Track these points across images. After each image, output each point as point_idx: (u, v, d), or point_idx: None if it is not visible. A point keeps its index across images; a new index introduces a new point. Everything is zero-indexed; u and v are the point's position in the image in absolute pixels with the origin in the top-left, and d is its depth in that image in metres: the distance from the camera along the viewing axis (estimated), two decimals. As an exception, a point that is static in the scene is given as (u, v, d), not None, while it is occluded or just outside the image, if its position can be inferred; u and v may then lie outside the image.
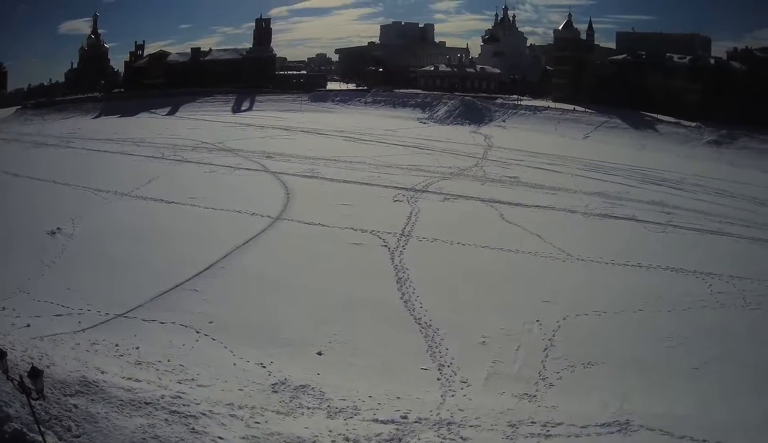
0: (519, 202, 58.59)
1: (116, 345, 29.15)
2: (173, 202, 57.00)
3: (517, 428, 22.99)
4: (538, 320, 33.24)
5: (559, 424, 23.33)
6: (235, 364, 28.18)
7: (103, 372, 23.27)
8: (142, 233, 47.96)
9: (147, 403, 21.17)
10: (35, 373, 15.43)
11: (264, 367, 27.86)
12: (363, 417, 23.30)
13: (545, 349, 30.31)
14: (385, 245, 45.34)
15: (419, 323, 32.86)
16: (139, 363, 26.90)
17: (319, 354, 29.70)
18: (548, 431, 22.89)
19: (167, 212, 54.44)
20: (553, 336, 31.67)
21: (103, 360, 26.50)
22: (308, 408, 23.81)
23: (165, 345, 29.84)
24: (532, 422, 23.47)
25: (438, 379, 27.37)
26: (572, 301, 35.77)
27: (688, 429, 23.31)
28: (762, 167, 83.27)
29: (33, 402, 16.56)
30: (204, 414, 21.17)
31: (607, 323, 33.59)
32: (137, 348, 28.97)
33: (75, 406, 20.11)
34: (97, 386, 21.50)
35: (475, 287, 38.03)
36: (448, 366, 28.46)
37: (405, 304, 35.31)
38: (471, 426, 22.91)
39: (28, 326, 31.09)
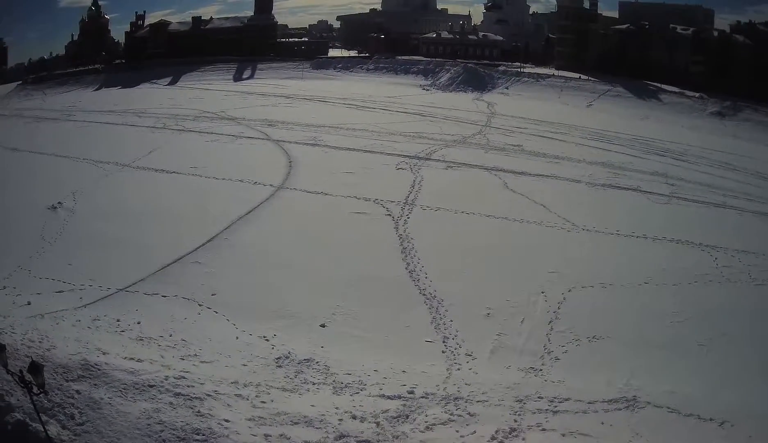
0: (522, 170, 58.07)
1: (117, 321, 28.82)
2: (175, 172, 56.31)
3: (524, 403, 22.79)
4: (543, 292, 32.97)
5: (566, 400, 23.15)
6: (237, 338, 27.92)
7: (104, 353, 23.07)
8: (144, 206, 47.27)
9: (150, 386, 21.01)
10: (35, 368, 15.16)
11: (267, 340, 27.65)
12: (369, 392, 23.10)
13: (550, 322, 30.03)
14: (389, 214, 45.00)
15: (424, 295, 32.59)
16: (140, 339, 26.67)
17: (323, 326, 29.40)
18: (555, 407, 22.70)
19: (169, 183, 53.79)
20: (558, 308, 31.39)
21: (105, 337, 26.30)
22: (313, 384, 23.61)
23: (167, 319, 29.45)
24: (539, 397, 23.25)
25: (443, 352, 27.13)
26: (577, 272, 35.48)
27: (695, 407, 23.11)
28: (766, 141, 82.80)
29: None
30: (209, 395, 20.99)
31: (613, 296, 33.30)
32: (138, 323, 28.62)
33: (77, 392, 19.97)
34: (99, 369, 21.35)
35: (479, 258, 37.71)
36: (453, 339, 28.23)
37: (410, 275, 35.00)
38: (478, 402, 22.70)
39: (29, 304, 30.60)
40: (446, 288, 33.08)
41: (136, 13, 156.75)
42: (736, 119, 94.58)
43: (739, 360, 27.13)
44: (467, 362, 26.31)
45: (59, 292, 32.78)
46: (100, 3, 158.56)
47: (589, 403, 23.08)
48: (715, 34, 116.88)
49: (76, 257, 37.20)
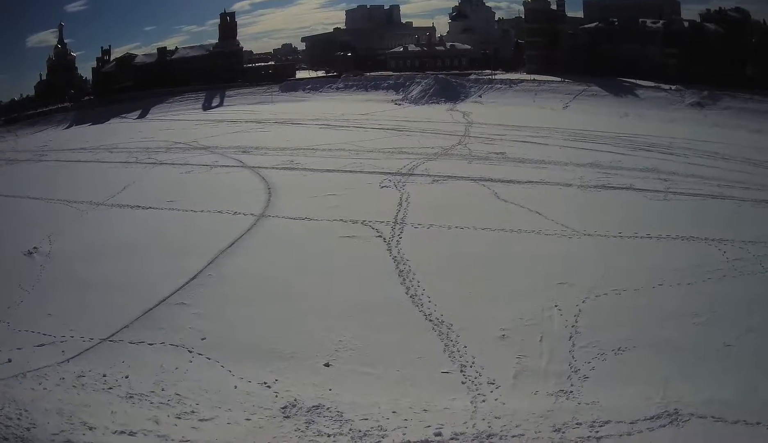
0: (511, 178, 56.35)
1: (104, 376, 26.55)
2: (151, 207, 54.24)
3: (563, 433, 20.80)
4: (556, 306, 30.94)
5: (606, 423, 21.22)
6: (236, 387, 25.50)
7: (91, 429, 20.77)
8: (122, 244, 44.99)
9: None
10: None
11: (269, 387, 25.27)
12: (392, 439, 20.90)
13: (570, 337, 28.02)
14: (380, 236, 42.71)
15: (430, 320, 30.31)
16: (130, 397, 24.39)
17: (327, 365, 26.97)
18: (597, 432, 20.75)
19: (146, 219, 51.55)
20: (576, 321, 29.39)
21: (92, 398, 24.06)
22: (329, 436, 21.27)
23: (156, 370, 27.09)
24: (577, 424, 21.25)
25: (463, 383, 24.88)
26: (588, 281, 33.57)
27: (739, 412, 21.53)
28: (748, 127, 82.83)
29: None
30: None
31: (629, 302, 31.44)
32: (126, 378, 26.34)
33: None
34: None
35: (483, 274, 35.62)
36: (471, 366, 25.98)
37: (412, 299, 32.68)
38: (514, 436, 20.60)
39: (10, 361, 28.36)
40: (453, 311, 30.91)
41: (102, 48, 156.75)
42: (716, 108, 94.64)
43: (770, 354, 25.80)
44: (491, 391, 24.15)
45: (40, 346, 30.41)
46: (66, 41, 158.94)
47: (632, 424, 21.28)
48: (686, 24, 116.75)
49: (55, 305, 34.98)
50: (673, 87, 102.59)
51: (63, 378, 26.38)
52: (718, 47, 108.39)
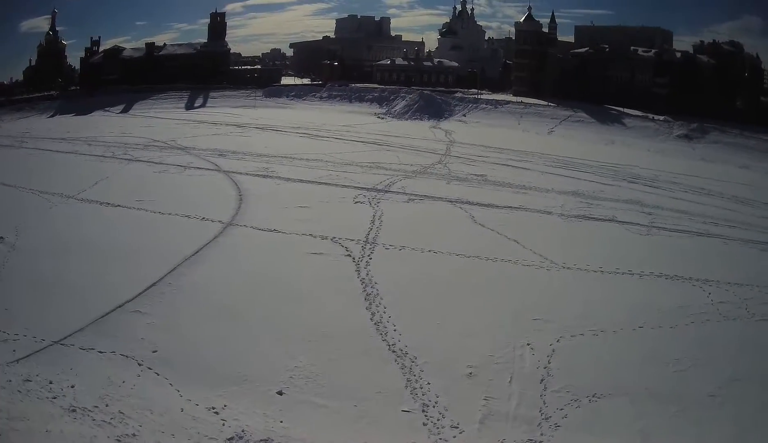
0: (489, 202, 54.93)
1: (50, 383, 25.06)
2: (119, 205, 52.77)
3: (532, 492, 19.03)
4: (529, 344, 29.15)
5: (580, 482, 19.45)
6: (182, 409, 23.70)
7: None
8: (86, 243, 43.36)
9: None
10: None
11: (217, 413, 23.48)
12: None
13: (542, 380, 26.28)
14: (349, 255, 40.89)
15: (394, 351, 28.44)
16: (73, 411, 22.65)
17: (280, 393, 25.10)
18: (569, 493, 19.00)
19: (113, 217, 50.05)
20: (549, 363, 27.64)
21: (33, 408, 22.44)
22: (275, 478, 19.49)
23: (103, 382, 25.46)
24: (547, 482, 19.49)
25: (424, 424, 23.10)
26: (564, 318, 31.90)
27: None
28: (736, 162, 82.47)
29: None
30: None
31: (607, 344, 29.82)
32: (72, 387, 24.81)
33: None
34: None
35: (452, 304, 33.85)
36: (434, 406, 24.20)
37: (376, 327, 30.81)
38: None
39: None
40: (419, 343, 29.06)
41: (91, 38, 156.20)
42: (704, 141, 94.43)
43: (756, 405, 24.85)
44: (454, 436, 22.38)
45: (-6, 342, 29.16)
46: (57, 28, 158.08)
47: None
48: (678, 55, 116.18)
49: (13, 301, 33.79)
50: (662, 118, 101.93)
51: (10, 381, 24.94)
52: (710, 79, 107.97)
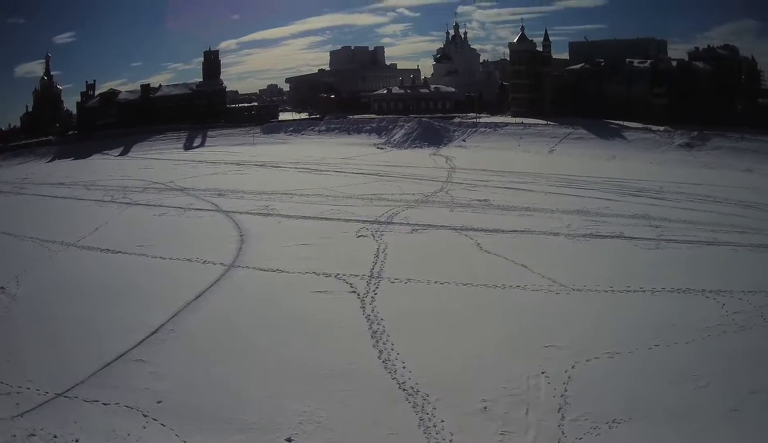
0: (495, 227, 54.17)
1: (54, 437, 24.88)
2: (120, 251, 52.17)
3: None
4: (543, 372, 28.21)
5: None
6: (190, 463, 22.85)
7: None
8: (87, 291, 42.78)
9: None
10: None
11: (224, 466, 22.58)
12: None
13: (559, 409, 25.34)
14: (354, 291, 39.90)
15: (404, 390, 27.44)
16: (77, 468, 21.69)
17: (289, 440, 24.24)
18: None
19: (114, 264, 49.45)
20: (565, 390, 26.69)
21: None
22: None
23: (108, 435, 24.97)
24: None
25: (441, 467, 22.16)
26: (578, 342, 31.00)
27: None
28: (739, 167, 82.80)
29: None
30: None
31: (623, 366, 28.89)
32: (77, 441, 24.49)
33: None
34: None
35: (461, 336, 32.92)
36: (449, 446, 23.28)
37: (384, 365, 29.82)
38: None
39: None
40: (429, 379, 28.08)
41: (87, 82, 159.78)
42: (706, 149, 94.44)
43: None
44: (472, 476, 21.39)
45: (-4, 395, 28.77)
46: (52, 73, 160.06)
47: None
48: (674, 63, 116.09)
49: (15, 352, 33.39)
50: (662, 128, 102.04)
51: (14, 436, 24.97)
52: (707, 85, 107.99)
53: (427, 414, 25.45)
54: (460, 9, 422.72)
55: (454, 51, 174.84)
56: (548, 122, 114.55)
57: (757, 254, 44.94)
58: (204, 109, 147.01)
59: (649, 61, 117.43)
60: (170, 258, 49.59)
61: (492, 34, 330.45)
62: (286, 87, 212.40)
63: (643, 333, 31.82)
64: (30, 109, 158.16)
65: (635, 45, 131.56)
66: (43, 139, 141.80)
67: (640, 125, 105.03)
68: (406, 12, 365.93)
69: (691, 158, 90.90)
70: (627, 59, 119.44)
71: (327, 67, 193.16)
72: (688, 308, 35.20)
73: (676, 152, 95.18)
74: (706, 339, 31.29)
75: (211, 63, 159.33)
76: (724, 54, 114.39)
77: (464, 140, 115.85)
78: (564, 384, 27.24)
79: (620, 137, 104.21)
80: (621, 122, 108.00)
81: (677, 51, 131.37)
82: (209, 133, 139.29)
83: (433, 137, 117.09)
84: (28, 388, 29.28)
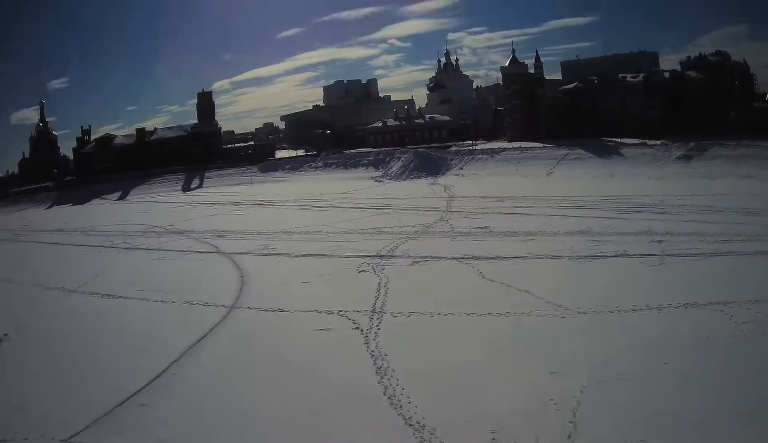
0: (496, 254, 53.57)
1: None
2: (121, 296, 51.78)
3: None
4: (552, 399, 27.49)
5: None
6: None
7: None
8: (89, 336, 42.61)
9: None
10: None
11: None
12: None
13: (569, 436, 24.61)
14: (357, 328, 39.21)
15: (411, 425, 26.75)
16: None
17: (294, 485, 23.65)
18: None
19: (115, 309, 48.89)
20: (574, 416, 25.97)
21: None
22: None
23: (112, 491, 23.92)
24: None
25: (452, 506, 21.52)
26: (586, 367, 30.30)
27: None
28: (739, 174, 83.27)
29: None
30: None
31: (634, 387, 28.15)
32: None
33: None
34: None
35: (467, 367, 32.15)
36: (458, 482, 22.66)
37: (390, 402, 29.05)
38: None
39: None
40: (436, 412, 27.40)
41: (82, 127, 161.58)
42: (704, 159, 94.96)
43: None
44: (485, 514, 20.76)
45: (2, 445, 28.29)
46: (48, 119, 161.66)
47: None
48: (666, 75, 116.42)
49: (18, 399, 32.95)
50: (659, 142, 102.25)
51: None
52: (701, 94, 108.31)
53: (436, 448, 24.77)
54: (451, 36, 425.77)
55: (447, 79, 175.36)
56: (545, 145, 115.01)
57: (763, 261, 44.76)
58: (200, 151, 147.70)
59: (642, 75, 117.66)
60: (172, 302, 49.10)
61: (484, 59, 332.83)
62: (281, 125, 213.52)
63: (654, 352, 31.25)
64: (27, 156, 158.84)
65: (628, 60, 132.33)
66: (42, 185, 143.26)
67: (636, 141, 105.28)
68: (397, 42, 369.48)
69: (690, 170, 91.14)
70: (620, 74, 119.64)
71: (321, 103, 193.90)
72: (695, 322, 34.71)
73: (675, 164, 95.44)
74: (717, 352, 30.77)
75: (206, 104, 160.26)
76: (716, 60, 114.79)
77: (462, 169, 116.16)
78: (573, 410, 26.52)
79: (618, 155, 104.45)
80: (617, 139, 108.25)
81: (670, 61, 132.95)
82: (207, 174, 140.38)
83: (431, 167, 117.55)
84: (34, 436, 28.77)
